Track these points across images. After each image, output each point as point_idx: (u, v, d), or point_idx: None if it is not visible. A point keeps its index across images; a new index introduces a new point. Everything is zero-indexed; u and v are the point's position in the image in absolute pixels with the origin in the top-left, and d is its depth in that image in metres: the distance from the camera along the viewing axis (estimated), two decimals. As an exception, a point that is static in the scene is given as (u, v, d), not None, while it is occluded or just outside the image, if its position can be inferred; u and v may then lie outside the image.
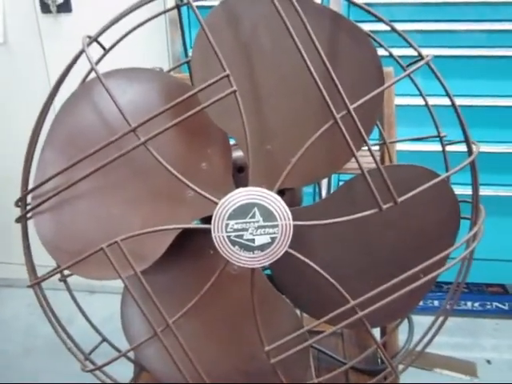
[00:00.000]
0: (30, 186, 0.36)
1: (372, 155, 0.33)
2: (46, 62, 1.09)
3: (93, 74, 0.36)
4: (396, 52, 0.43)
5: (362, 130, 0.31)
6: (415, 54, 0.36)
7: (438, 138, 0.44)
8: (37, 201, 0.35)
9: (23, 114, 0.83)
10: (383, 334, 0.60)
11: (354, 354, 0.64)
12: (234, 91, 0.31)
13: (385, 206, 0.33)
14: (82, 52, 0.34)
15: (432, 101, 0.43)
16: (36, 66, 1.09)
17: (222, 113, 0.35)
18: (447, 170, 0.42)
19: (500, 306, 1.29)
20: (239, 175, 0.41)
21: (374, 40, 0.39)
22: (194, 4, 0.32)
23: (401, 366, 0.42)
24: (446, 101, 0.36)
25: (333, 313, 0.33)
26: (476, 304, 1.29)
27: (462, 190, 0.42)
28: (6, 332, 1.24)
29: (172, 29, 0.98)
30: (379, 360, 0.63)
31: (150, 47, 1.02)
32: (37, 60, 1.09)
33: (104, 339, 0.43)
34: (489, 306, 1.29)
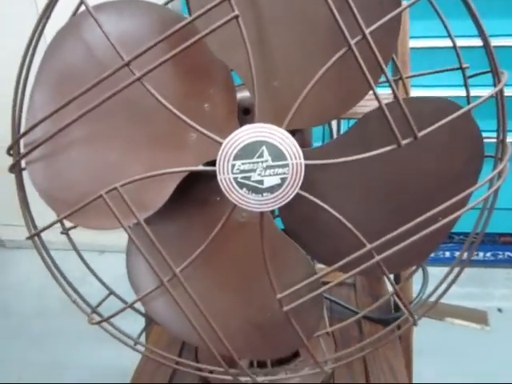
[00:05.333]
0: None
1: (391, 85, 0.30)
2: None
3: (82, 8, 0.33)
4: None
5: (379, 56, 0.28)
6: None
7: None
8: (28, 148, 0.32)
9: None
10: (396, 283, 0.59)
11: (366, 304, 0.63)
12: (236, 16, 0.28)
13: (404, 142, 0.30)
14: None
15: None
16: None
17: (224, 44, 0.32)
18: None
19: (512, 255, 1.28)
20: (245, 117, 0.39)
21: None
22: None
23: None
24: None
25: (348, 257, 0.32)
26: (488, 254, 1.28)
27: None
28: (19, 294, 1.26)
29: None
30: (393, 309, 0.62)
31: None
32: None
33: (111, 292, 0.42)
34: (501, 256, 1.28)
